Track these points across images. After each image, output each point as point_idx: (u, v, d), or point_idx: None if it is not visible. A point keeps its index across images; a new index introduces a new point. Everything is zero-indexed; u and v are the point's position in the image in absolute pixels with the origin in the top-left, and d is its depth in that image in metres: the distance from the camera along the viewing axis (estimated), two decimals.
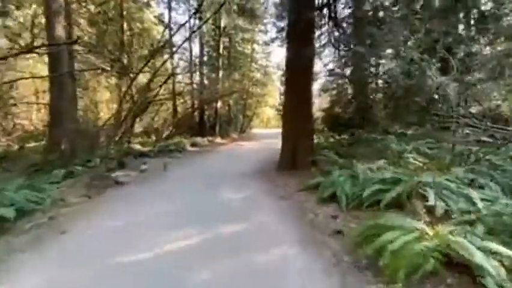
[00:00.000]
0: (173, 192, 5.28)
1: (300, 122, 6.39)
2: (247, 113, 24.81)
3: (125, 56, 15.12)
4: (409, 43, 8.53)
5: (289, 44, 6.75)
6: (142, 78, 13.79)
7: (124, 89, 14.06)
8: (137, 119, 16.67)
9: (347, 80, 8.93)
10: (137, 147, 11.65)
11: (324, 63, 10.01)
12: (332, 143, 9.37)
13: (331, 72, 9.31)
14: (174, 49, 16.74)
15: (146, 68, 12.03)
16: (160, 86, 11.70)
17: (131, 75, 9.10)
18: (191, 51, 19.43)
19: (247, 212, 4.13)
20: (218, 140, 16.47)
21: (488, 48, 11.43)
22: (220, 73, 18.38)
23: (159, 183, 6.04)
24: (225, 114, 21.18)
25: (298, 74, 6.34)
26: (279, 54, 49.96)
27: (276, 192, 5.05)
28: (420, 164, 4.81)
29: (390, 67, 6.84)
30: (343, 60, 9.25)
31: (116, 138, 11.85)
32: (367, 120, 8.31)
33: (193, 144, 13.42)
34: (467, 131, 8.55)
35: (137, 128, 18.77)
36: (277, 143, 15.95)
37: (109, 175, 6.55)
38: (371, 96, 8.60)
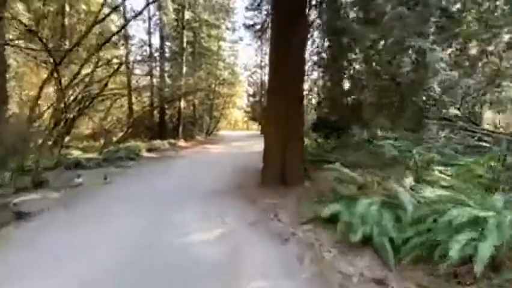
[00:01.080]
0: (109, 229, 3.32)
1: (289, 122, 4.84)
2: (214, 114, 22.80)
3: (66, 44, 12.25)
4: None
5: (276, 20, 5.17)
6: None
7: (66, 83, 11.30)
8: (82, 118, 13.86)
9: (334, 75, 7.77)
10: (77, 153, 9.08)
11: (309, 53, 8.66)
12: (315, 148, 8.05)
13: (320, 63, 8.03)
14: (121, 37, 14.21)
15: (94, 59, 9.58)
16: (110, 76, 9.26)
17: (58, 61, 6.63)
18: (150, 44, 16.97)
19: (231, 273, 2.42)
20: (181, 143, 14.30)
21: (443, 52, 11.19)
22: (184, 69, 16.20)
23: (91, 212, 3.96)
24: (189, 114, 18.96)
25: (287, 59, 4.79)
26: (247, 54, 48.35)
27: (267, 225, 3.40)
28: (448, 178, 3.60)
29: (399, 60, 5.72)
30: (328, 51, 8.15)
31: (49, 143, 9.19)
32: (356, 122, 7.19)
33: (150, 149, 11.14)
34: (446, 134, 7.90)
35: (85, 129, 15.79)
36: (249, 147, 14.29)
37: (12, 201, 4.28)
38: (365, 95, 7.47)
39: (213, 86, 21.47)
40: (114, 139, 13.80)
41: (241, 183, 5.55)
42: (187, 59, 17.88)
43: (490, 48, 10.71)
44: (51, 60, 5.68)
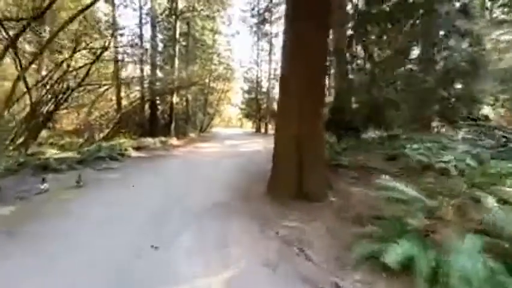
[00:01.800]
0: (62, 270, 2.19)
1: (308, 117, 3.77)
2: (208, 110, 21.55)
3: (46, 29, 10.83)
4: None
5: None
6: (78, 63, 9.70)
7: (44, 72, 9.93)
8: (65, 112, 12.52)
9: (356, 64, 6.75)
10: (52, 152, 7.78)
11: None
12: (327, 150, 7.02)
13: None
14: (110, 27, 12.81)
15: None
16: (91, 63, 7.94)
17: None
18: (141, 34, 15.57)
19: None
20: (173, 141, 13.07)
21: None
22: (176, 62, 14.90)
23: (43, 241, 2.79)
24: (182, 110, 17.69)
25: (307, 35, 3.70)
26: (242, 50, 46.61)
27: (292, 265, 2.32)
28: None
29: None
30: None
31: (20, 140, 7.89)
32: (373, 121, 6.21)
33: (139, 148, 9.90)
34: (464, 134, 7.02)
35: (68, 124, 14.42)
36: (246, 145, 13.18)
37: None
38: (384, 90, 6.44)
39: (207, 80, 20.23)
40: (101, 136, 12.50)
41: (246, 193, 4.46)
42: (180, 52, 16.57)
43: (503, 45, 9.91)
44: (5, 34, 4.42)
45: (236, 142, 14.79)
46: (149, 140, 11.71)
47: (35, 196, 4.32)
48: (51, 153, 7.71)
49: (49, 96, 8.04)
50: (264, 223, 3.14)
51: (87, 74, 7.88)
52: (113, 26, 13.39)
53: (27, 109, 8.17)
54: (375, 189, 2.92)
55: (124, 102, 15.18)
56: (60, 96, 8.28)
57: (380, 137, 6.32)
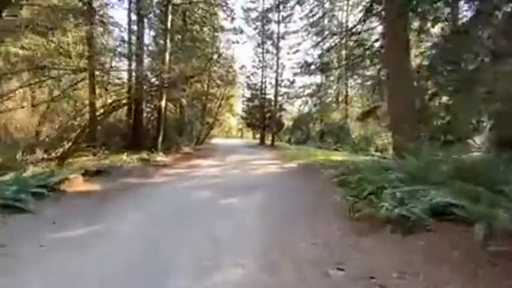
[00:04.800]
0: None
1: None
2: (207, 119, 17.65)
3: None
4: None
5: None
6: None
7: None
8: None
9: None
10: None
11: None
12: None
13: None
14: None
15: None
16: None
17: None
18: (129, 27, 11.79)
19: None
20: (160, 157, 9.02)
21: None
22: (167, 56, 11.00)
23: None
24: (175, 118, 13.76)
25: None
26: (243, 54, 42.47)
27: None
28: None
29: None
30: None
31: None
32: None
33: (98, 173, 5.82)
34: None
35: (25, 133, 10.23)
36: (257, 162, 8.95)
37: None
38: None
39: (206, 86, 16.51)
40: (58, 152, 8.41)
41: None
42: (175, 50, 12.72)
43: None
44: None
45: (241, 158, 10.85)
46: (123, 158, 7.69)
47: None
48: None
49: None
50: None
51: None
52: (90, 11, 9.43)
53: None
54: None
55: (101, 104, 11.18)
56: None
57: None
